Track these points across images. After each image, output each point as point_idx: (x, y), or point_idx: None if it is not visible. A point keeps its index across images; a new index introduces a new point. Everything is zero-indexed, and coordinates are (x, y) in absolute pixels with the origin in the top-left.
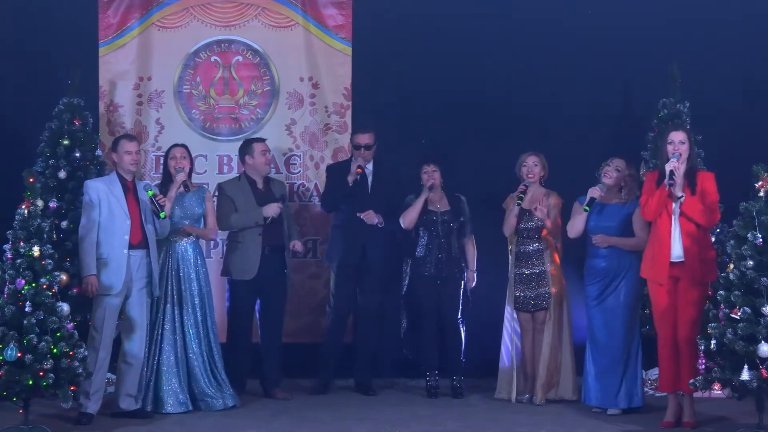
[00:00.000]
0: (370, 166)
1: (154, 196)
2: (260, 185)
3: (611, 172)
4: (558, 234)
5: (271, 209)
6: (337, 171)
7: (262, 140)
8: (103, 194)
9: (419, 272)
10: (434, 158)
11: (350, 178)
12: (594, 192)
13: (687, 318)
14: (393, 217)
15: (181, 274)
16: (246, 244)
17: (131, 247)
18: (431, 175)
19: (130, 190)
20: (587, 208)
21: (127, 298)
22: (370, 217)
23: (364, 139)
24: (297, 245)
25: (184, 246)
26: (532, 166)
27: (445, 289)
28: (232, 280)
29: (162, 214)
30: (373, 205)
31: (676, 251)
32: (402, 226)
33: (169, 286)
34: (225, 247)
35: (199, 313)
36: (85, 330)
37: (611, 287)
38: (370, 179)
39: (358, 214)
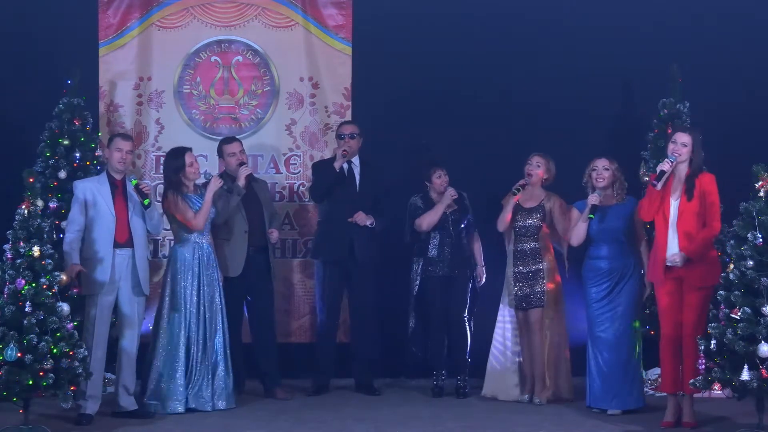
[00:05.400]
0: (357, 163)
1: (138, 184)
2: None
3: (602, 173)
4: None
5: (242, 173)
6: (323, 165)
7: (231, 141)
8: (89, 193)
9: (431, 272)
10: (442, 163)
11: (337, 164)
12: (594, 199)
13: (689, 320)
14: (380, 217)
15: (208, 275)
16: (233, 242)
17: (117, 245)
18: (444, 180)
19: (118, 188)
20: (592, 216)
21: (118, 296)
22: (362, 219)
23: (348, 128)
24: (274, 233)
25: (208, 248)
26: (534, 165)
27: (453, 287)
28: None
29: (146, 201)
30: (360, 204)
31: (673, 254)
32: (419, 229)
33: (201, 289)
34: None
35: (219, 313)
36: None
37: (616, 289)
38: (357, 178)
39: (349, 220)
